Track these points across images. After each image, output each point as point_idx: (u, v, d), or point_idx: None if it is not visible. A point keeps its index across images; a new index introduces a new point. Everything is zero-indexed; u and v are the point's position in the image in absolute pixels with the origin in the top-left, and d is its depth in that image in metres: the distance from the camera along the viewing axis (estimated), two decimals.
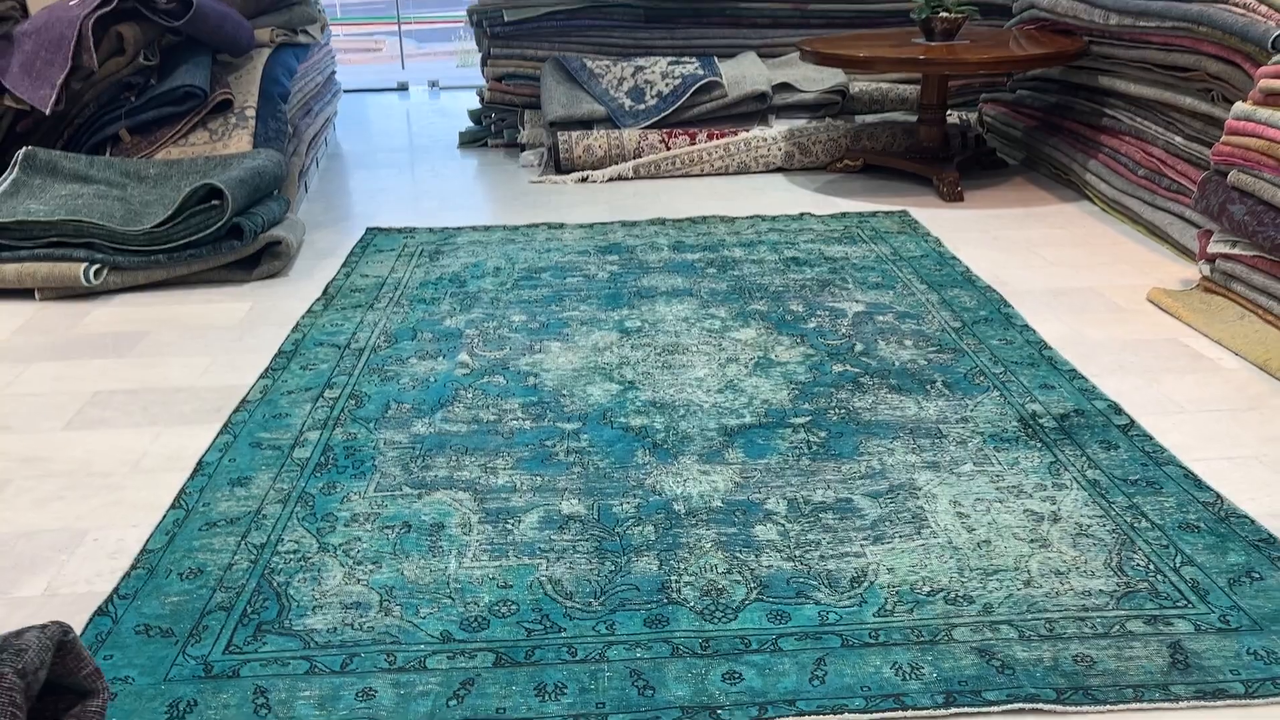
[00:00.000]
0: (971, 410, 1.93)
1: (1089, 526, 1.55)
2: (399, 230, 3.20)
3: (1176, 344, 2.24)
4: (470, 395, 2.04)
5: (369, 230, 3.20)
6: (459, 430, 1.89)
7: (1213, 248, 2.37)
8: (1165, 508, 1.60)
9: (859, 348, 2.23)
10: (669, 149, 3.88)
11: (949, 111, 4.13)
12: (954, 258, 2.81)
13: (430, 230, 3.20)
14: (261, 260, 2.80)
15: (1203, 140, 2.82)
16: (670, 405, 1.97)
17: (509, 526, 1.58)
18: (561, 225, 3.22)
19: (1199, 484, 1.66)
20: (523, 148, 4.24)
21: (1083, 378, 2.06)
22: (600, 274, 2.75)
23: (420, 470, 1.75)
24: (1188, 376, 2.08)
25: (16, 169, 2.93)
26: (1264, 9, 2.59)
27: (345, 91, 5.69)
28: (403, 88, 6.09)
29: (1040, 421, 1.88)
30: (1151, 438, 1.81)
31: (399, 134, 4.99)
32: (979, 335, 2.28)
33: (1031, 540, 1.52)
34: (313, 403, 2.02)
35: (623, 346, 2.26)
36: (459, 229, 3.21)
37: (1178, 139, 2.93)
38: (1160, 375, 2.09)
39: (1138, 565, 1.46)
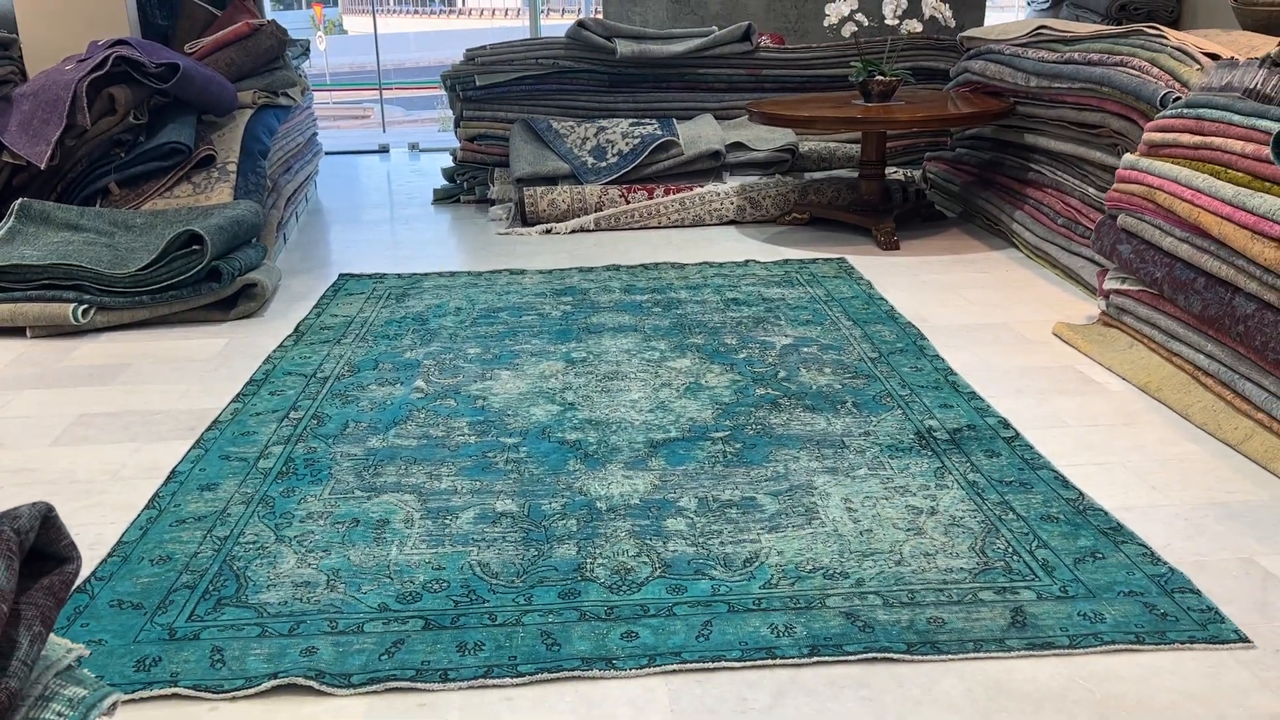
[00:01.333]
0: (874, 425, 2.14)
1: (961, 518, 1.75)
2: (369, 276, 3.42)
3: (1071, 370, 2.46)
4: (423, 415, 2.24)
5: (341, 276, 3.42)
6: (409, 444, 2.09)
7: (1107, 284, 2.61)
8: (1032, 503, 1.80)
9: (782, 374, 2.44)
10: (628, 203, 4.13)
11: (891, 168, 4.41)
12: (881, 298, 3.05)
13: (399, 276, 3.42)
14: (238, 301, 3.01)
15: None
16: (604, 423, 2.17)
17: (447, 522, 1.77)
18: (523, 271, 3.45)
19: (1066, 484, 1.87)
20: (492, 203, 4.49)
21: (980, 399, 2.27)
22: (554, 312, 2.97)
23: (372, 477, 1.95)
24: (1076, 397, 2.30)
25: (12, 218, 3.15)
26: (1155, 70, 2.87)
27: (331, 153, 5.97)
28: (384, 150, 6.37)
29: (935, 435, 2.09)
30: (1032, 447, 2.02)
31: (378, 191, 5.24)
32: (892, 364, 2.50)
33: (908, 529, 1.72)
34: (278, 422, 2.21)
35: (567, 374, 2.47)
36: (426, 274, 3.43)
37: (1090, 190, 3.18)
38: (1051, 396, 2.31)
39: (998, 548, 1.66)
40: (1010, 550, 1.65)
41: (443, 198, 4.80)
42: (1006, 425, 2.12)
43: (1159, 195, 2.39)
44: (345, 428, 2.18)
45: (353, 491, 1.89)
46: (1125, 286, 2.52)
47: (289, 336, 2.80)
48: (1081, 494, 1.83)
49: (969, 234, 3.90)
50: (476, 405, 2.29)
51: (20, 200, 3.21)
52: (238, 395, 2.37)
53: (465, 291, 3.21)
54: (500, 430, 2.15)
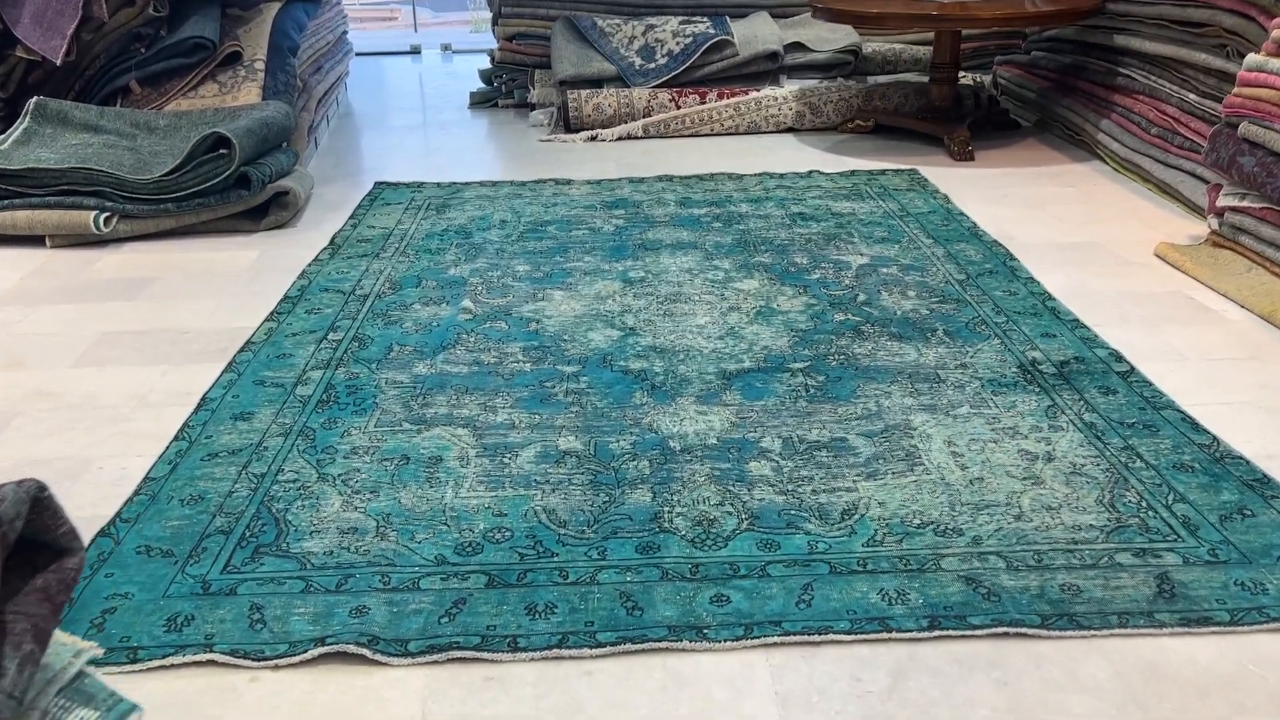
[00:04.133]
0: (971, 357, 1.93)
1: (1083, 466, 1.55)
2: (407, 185, 3.20)
3: (1181, 296, 2.23)
4: (472, 339, 2.05)
5: (377, 184, 3.21)
6: (460, 371, 1.91)
7: (1221, 201, 2.35)
8: (1160, 449, 1.60)
9: (861, 298, 2.23)
10: (679, 108, 3.87)
11: (962, 73, 4.10)
12: (961, 214, 2.80)
13: (438, 185, 3.20)
14: (269, 210, 2.81)
15: (1215, 96, 2.79)
16: (670, 350, 1.98)
17: (506, 460, 1.60)
18: (569, 181, 3.22)
19: (1195, 427, 1.66)
20: (533, 107, 4.23)
21: (1085, 327, 2.05)
22: (606, 227, 2.75)
23: (420, 408, 1.77)
24: (1190, 327, 2.07)
25: (28, 118, 2.95)
26: None
27: (359, 55, 5.70)
28: (415, 51, 6.08)
29: (1040, 368, 1.88)
30: (1150, 383, 1.81)
31: (411, 95, 4.99)
32: (983, 287, 2.28)
33: (1024, 478, 1.52)
34: (317, 344, 2.04)
35: (625, 295, 2.27)
36: (467, 184, 3.22)
37: (1191, 96, 2.90)
38: (1162, 325, 2.08)
39: (1129, 502, 1.46)
40: (1143, 504, 1.46)
41: (479, 101, 4.54)
42: (1119, 358, 1.91)
43: None
44: (389, 351, 2.00)
45: (400, 424, 1.72)
46: (1245, 204, 2.27)
47: (324, 249, 2.61)
48: (1215, 439, 1.62)
49: (1048, 144, 3.62)
50: (530, 329, 2.10)
51: (35, 99, 3.00)
52: (272, 314, 2.19)
53: (509, 203, 2.99)
54: (557, 357, 1.96)
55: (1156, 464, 1.56)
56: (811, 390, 1.81)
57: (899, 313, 2.14)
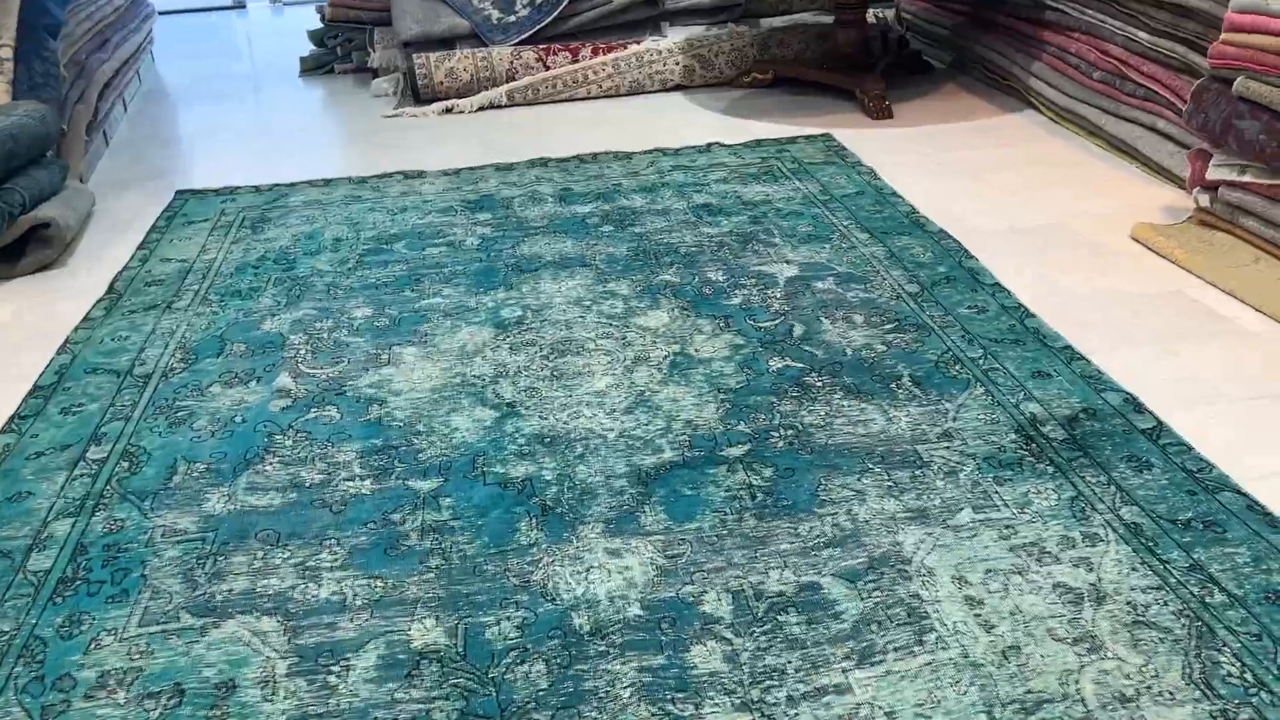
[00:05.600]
0: (954, 417, 1.48)
1: (1147, 608, 1.12)
2: (217, 192, 2.57)
3: (1182, 298, 1.82)
4: (290, 442, 1.50)
5: (179, 194, 2.57)
6: (270, 504, 1.37)
7: (1214, 173, 1.95)
8: (1238, 565, 1.18)
9: (798, 330, 1.76)
10: (548, 69, 3.30)
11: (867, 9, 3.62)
12: (895, 194, 2.35)
13: (256, 190, 2.58)
14: (27, 249, 2.17)
15: (1172, 35, 2.38)
16: (563, 438, 1.47)
17: (331, 680, 1.08)
18: (421, 174, 2.65)
19: (1270, 519, 1.25)
20: (375, 74, 3.60)
21: (1082, 357, 1.62)
22: (469, 239, 2.21)
23: (209, 584, 1.23)
24: (1209, 345, 1.67)
25: None
26: None
27: (173, 12, 4.90)
28: (240, 5, 5.29)
29: (1043, 429, 1.44)
30: (1190, 447, 1.39)
31: (234, 61, 4.26)
32: (942, 302, 1.83)
33: (1076, 640, 1.09)
34: (69, 470, 1.46)
35: (499, 348, 1.74)
36: (293, 185, 2.61)
37: (1142, 35, 2.48)
38: (1174, 344, 1.67)
39: (1230, 675, 1.04)
40: (1249, 678, 1.04)
41: (312, 68, 3.87)
42: (1137, 406, 1.48)
43: None
44: (171, 475, 1.44)
45: (177, 615, 1.18)
46: (1248, 179, 1.87)
47: (101, 301, 1.99)
48: None
49: (970, 91, 3.19)
50: (370, 417, 1.56)
51: None
52: (11, 420, 1.60)
53: (346, 210, 2.41)
54: (408, 465, 1.43)
55: (1241, 594, 1.14)
56: (759, 496, 1.34)
57: (849, 351, 1.68)
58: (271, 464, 1.45)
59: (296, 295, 1.97)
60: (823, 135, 2.80)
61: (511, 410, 1.55)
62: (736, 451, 1.43)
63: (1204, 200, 2.00)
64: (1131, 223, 2.12)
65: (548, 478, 1.39)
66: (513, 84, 3.26)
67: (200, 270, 2.11)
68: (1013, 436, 1.43)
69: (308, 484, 1.40)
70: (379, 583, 1.21)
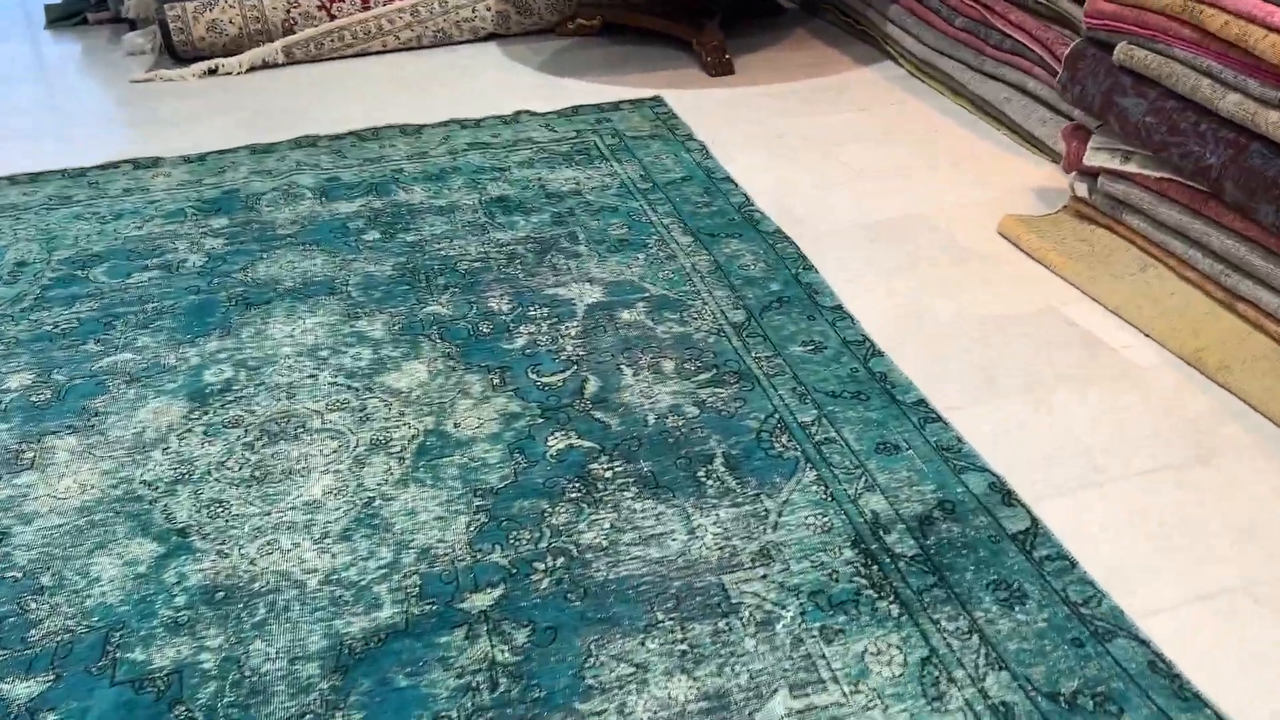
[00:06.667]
0: (775, 524, 1.13)
1: None
2: None
3: (1056, 319, 1.50)
4: None
5: None
6: None
7: (1092, 158, 1.62)
8: None
9: (592, 385, 1.37)
10: (333, 17, 2.79)
11: None
12: (726, 179, 1.96)
13: None
14: None
15: None
16: (243, 592, 1.06)
17: None
18: (156, 161, 2.14)
19: (1178, 684, 0.93)
20: (132, 25, 3.01)
21: (937, 416, 1.28)
22: (191, 258, 1.74)
23: None
24: (1089, 391, 1.34)
25: None
26: None
27: None
28: None
29: (888, 539, 1.10)
30: (1072, 563, 1.06)
31: None
32: (772, 335, 1.47)
33: None
34: None
35: (189, 432, 1.31)
36: None
37: None
38: (1047, 391, 1.35)
39: None
40: None
41: (60, 18, 3.25)
42: (1005, 494, 1.15)
43: (1206, 11, 1.37)
44: None
45: None
46: (1133, 169, 1.54)
47: None
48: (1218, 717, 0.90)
49: (820, 37, 2.81)
50: None
51: None
52: None
53: (46, 218, 1.90)
54: (7, 653, 1.00)
55: None
56: (502, 684, 0.95)
57: (652, 419, 1.30)
58: None
59: None
60: (651, 99, 2.38)
61: (182, 543, 1.13)
62: (483, 601, 1.04)
63: (1081, 189, 1.67)
64: (999, 211, 1.79)
65: (206, 667, 0.98)
66: (291, 38, 2.74)
67: None
68: (848, 554, 1.09)
69: None
70: None
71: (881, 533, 1.11)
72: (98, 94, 2.63)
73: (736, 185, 1.93)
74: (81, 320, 1.57)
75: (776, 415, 1.30)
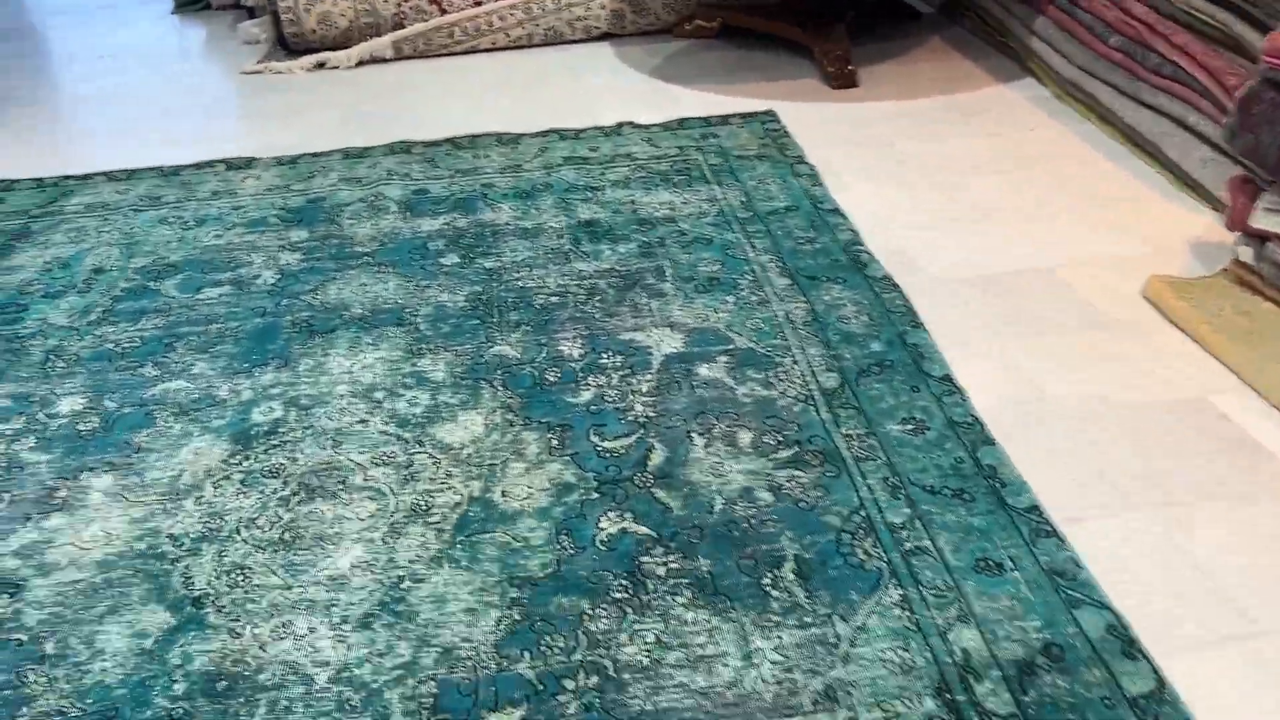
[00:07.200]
0: (845, 657, 0.97)
1: None
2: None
3: (1208, 411, 1.28)
4: None
5: None
6: None
7: (1262, 220, 1.38)
8: None
9: (658, 456, 1.23)
10: (444, 12, 2.70)
11: None
12: (835, 212, 1.79)
13: (37, 184, 2.05)
14: None
15: None
16: (246, 684, 0.97)
17: None
18: (250, 162, 2.10)
19: None
20: (251, 12, 3.01)
21: (1053, 530, 1.10)
22: (265, 274, 1.68)
23: None
24: (1243, 510, 1.13)
25: None
26: None
27: None
28: None
29: (977, 690, 0.93)
30: None
31: None
32: (869, 408, 1.30)
33: None
34: None
35: (227, 479, 1.23)
36: (86, 178, 2.06)
37: None
38: (1190, 506, 1.14)
39: None
40: None
41: (186, 2, 3.27)
42: (1126, 643, 0.96)
43: None
44: None
45: None
46: None
47: None
48: None
49: (958, 48, 2.59)
50: None
51: None
52: None
53: (131, 221, 1.87)
54: None
55: None
56: None
57: (719, 504, 1.16)
58: None
59: (1, 370, 1.46)
60: (764, 113, 2.22)
61: (195, 614, 1.05)
62: None
63: (1245, 254, 1.44)
64: (1145, 268, 1.56)
65: None
66: (400, 33, 2.67)
67: None
68: (929, 704, 0.92)
69: None
70: None
71: (972, 679, 0.94)
72: (211, 83, 2.62)
73: (845, 219, 1.76)
74: (144, 339, 1.51)
75: (863, 512, 1.14)
